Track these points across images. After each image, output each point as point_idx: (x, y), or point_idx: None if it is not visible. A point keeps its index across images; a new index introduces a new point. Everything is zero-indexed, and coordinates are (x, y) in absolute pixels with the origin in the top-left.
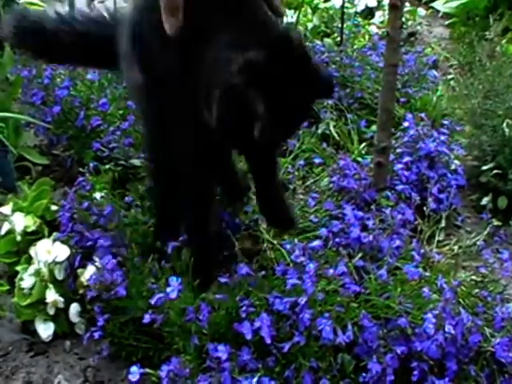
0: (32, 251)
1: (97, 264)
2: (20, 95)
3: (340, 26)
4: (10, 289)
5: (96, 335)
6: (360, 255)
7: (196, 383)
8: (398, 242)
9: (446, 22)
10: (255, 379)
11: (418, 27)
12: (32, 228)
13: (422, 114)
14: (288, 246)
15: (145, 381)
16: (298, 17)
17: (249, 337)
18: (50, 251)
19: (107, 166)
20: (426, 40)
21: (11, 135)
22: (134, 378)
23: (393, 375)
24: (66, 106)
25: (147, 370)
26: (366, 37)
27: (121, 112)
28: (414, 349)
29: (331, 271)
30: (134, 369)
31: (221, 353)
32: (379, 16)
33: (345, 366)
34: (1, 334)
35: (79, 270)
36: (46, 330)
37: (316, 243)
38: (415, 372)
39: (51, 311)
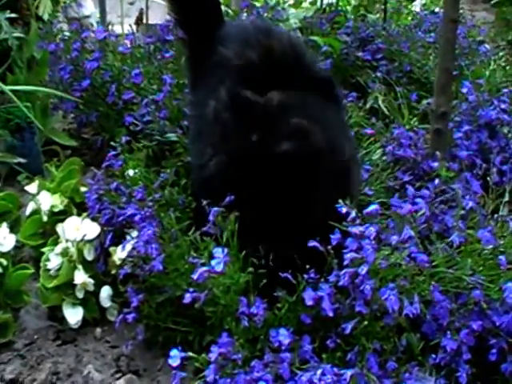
0: (59, 229)
1: (132, 236)
2: (47, 76)
3: (383, 5)
4: (36, 273)
5: (129, 318)
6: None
7: (250, 371)
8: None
9: (492, 2)
10: (319, 371)
11: (460, 11)
12: (60, 207)
13: (481, 81)
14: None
15: (186, 367)
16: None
17: (309, 303)
18: (79, 228)
19: (141, 143)
20: (470, 23)
21: (38, 117)
22: (174, 362)
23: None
24: (96, 80)
25: (190, 354)
26: (409, 18)
27: (154, 87)
28: (491, 325)
29: (395, 237)
30: (174, 352)
31: (282, 337)
32: None
33: (412, 346)
34: (26, 321)
35: (111, 249)
36: (74, 315)
37: (372, 207)
38: (493, 350)
39: (80, 295)
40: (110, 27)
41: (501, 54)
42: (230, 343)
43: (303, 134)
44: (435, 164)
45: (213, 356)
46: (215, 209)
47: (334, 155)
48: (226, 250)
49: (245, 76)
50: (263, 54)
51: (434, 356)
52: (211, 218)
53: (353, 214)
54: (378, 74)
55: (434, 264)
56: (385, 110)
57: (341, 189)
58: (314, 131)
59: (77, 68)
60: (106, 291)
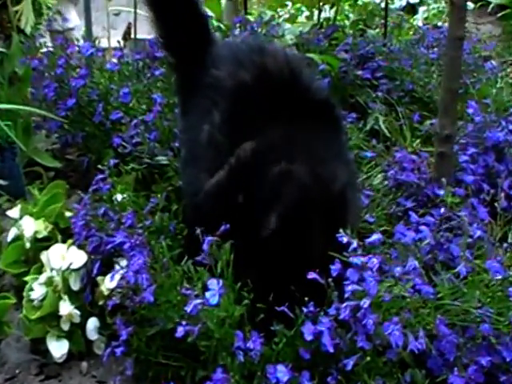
0: (43, 256)
1: (121, 265)
2: (30, 93)
3: (382, 20)
4: (18, 303)
5: (118, 352)
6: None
7: None
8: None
9: (498, 15)
10: None
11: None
12: (43, 234)
13: (488, 100)
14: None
15: None
16: (336, 13)
17: (309, 338)
18: (65, 256)
19: (130, 166)
20: (475, 38)
21: (20, 137)
22: None
23: None
24: (82, 98)
25: None
26: (410, 33)
27: (144, 106)
28: (501, 360)
29: (398, 269)
30: None
31: (280, 373)
32: (423, 11)
33: (417, 383)
34: (7, 354)
35: (99, 278)
36: (59, 348)
37: (375, 237)
38: None
39: (65, 326)
40: (96, 42)
41: (508, 70)
42: (225, 379)
43: (286, 184)
44: (440, 189)
45: None
46: (209, 238)
47: (325, 191)
48: (221, 282)
49: (239, 98)
50: (257, 74)
51: None
52: (205, 247)
53: (354, 244)
54: (379, 94)
55: (439, 296)
56: (386, 131)
57: (338, 221)
58: (298, 174)
59: (62, 85)
60: (92, 323)
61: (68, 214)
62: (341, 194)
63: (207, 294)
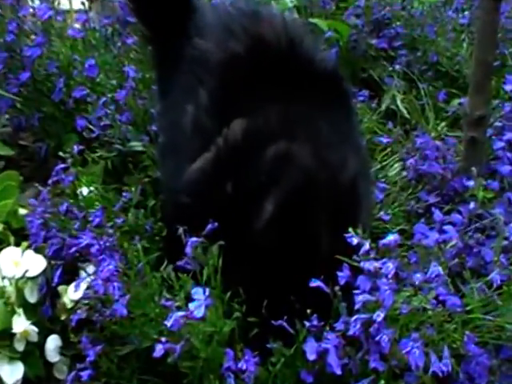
0: None
1: (87, 272)
2: None
3: None
4: None
5: (84, 376)
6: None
7: None
8: None
9: None
10: None
11: None
12: None
13: None
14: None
15: None
16: None
17: (312, 357)
18: (19, 263)
19: (97, 153)
20: None
21: None
22: None
23: None
24: (38, 72)
25: None
26: None
27: (114, 82)
28: None
29: (418, 276)
30: None
31: None
32: None
33: None
34: None
35: (60, 288)
36: (12, 373)
37: (390, 238)
38: None
39: (20, 347)
40: (55, 3)
41: None
42: None
43: (285, 165)
44: (469, 182)
45: None
46: (193, 239)
47: (332, 179)
48: (207, 291)
49: (229, 73)
50: (251, 45)
51: None
52: (188, 250)
53: (366, 246)
54: (397, 67)
55: (467, 309)
56: (404, 112)
57: (347, 217)
58: (300, 155)
59: (13, 56)
60: (53, 342)
61: (22, 211)
62: (351, 184)
63: (191, 306)
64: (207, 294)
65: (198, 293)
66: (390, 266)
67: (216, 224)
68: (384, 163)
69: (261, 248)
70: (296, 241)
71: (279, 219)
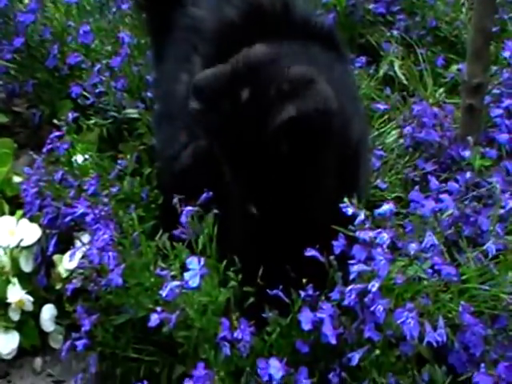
0: None
1: (82, 241)
2: None
3: None
4: None
5: (79, 345)
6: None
7: None
8: None
9: None
10: None
11: None
12: None
13: None
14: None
15: None
16: None
17: (307, 327)
18: (14, 232)
19: (92, 121)
20: None
21: None
22: None
23: None
24: (32, 38)
25: None
26: None
27: (109, 48)
28: None
29: (413, 245)
30: None
31: (273, 369)
32: None
33: (435, 382)
34: None
35: (55, 257)
36: (7, 343)
37: (386, 208)
38: None
39: (15, 316)
40: None
41: None
42: (208, 377)
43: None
44: (466, 150)
45: None
46: (189, 208)
47: (344, 126)
48: (202, 260)
49: (223, 41)
50: (245, 10)
51: None
52: (183, 219)
53: (361, 216)
54: (395, 32)
55: (463, 278)
56: (402, 78)
57: (348, 179)
58: (323, 84)
59: (6, 21)
60: (48, 311)
61: (17, 179)
62: (356, 144)
63: (186, 275)
64: (202, 263)
65: (193, 262)
66: (385, 237)
67: (210, 193)
68: (381, 130)
69: (270, 155)
70: (304, 156)
71: (299, 121)
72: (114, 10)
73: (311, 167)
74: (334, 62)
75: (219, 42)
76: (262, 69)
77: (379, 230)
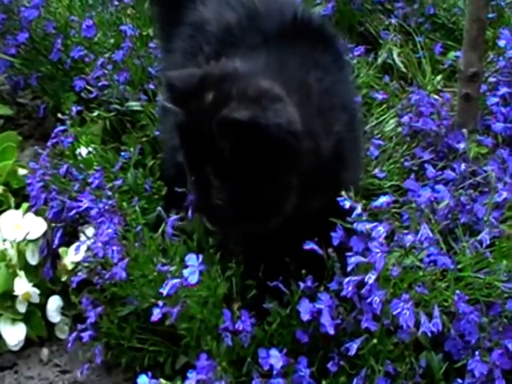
0: None
1: (87, 235)
2: None
3: None
4: None
5: (85, 336)
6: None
7: None
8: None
9: None
10: None
11: None
12: None
13: None
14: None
15: None
16: None
17: (306, 318)
18: (20, 226)
19: (95, 113)
20: None
21: None
22: None
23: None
24: (36, 32)
25: (161, 381)
26: None
27: (112, 41)
28: None
29: (409, 237)
30: (142, 379)
31: (274, 359)
32: None
33: (432, 369)
34: None
35: (61, 250)
36: (14, 334)
37: (382, 200)
38: None
39: (22, 308)
40: None
41: None
42: (211, 367)
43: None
44: (462, 142)
45: (190, 383)
46: (173, 218)
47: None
48: (200, 257)
49: (223, 42)
50: (243, 14)
51: (459, 381)
52: (169, 230)
53: (358, 209)
54: (393, 21)
55: (459, 267)
56: (401, 66)
57: (331, 181)
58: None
59: (11, 17)
60: (54, 303)
61: (22, 171)
62: (334, 148)
63: (185, 272)
64: (200, 260)
65: (192, 259)
66: (381, 230)
67: None
68: (380, 119)
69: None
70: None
71: (246, 126)
72: (116, 2)
73: (258, 171)
74: (320, 62)
75: (218, 45)
76: (229, 77)
77: (375, 223)
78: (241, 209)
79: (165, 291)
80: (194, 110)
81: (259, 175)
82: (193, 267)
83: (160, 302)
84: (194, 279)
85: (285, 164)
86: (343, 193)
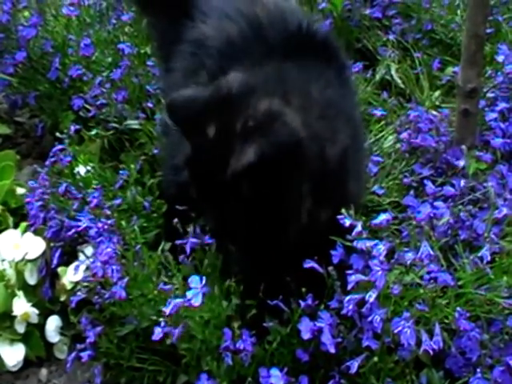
0: None
1: (86, 254)
2: None
3: None
4: None
5: (84, 356)
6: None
7: None
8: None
9: None
10: None
11: None
12: None
13: None
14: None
15: None
16: None
17: (306, 336)
18: (19, 245)
19: (93, 131)
20: None
21: None
22: None
23: None
24: (34, 51)
25: None
26: None
27: (109, 59)
28: None
29: (410, 255)
30: None
31: (275, 378)
32: None
33: None
34: None
35: (60, 270)
36: (13, 355)
37: (383, 217)
38: None
39: (21, 328)
40: None
41: None
42: None
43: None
44: (461, 159)
45: None
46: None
47: (321, 152)
48: (204, 279)
49: (227, 56)
50: (245, 27)
51: None
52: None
53: (358, 227)
54: (391, 37)
55: (460, 283)
56: (399, 82)
57: (334, 194)
58: (291, 118)
59: (9, 36)
60: (53, 322)
61: (20, 190)
62: (339, 159)
63: (188, 294)
64: (204, 282)
65: (195, 281)
66: (381, 248)
67: None
68: (379, 135)
69: (234, 195)
70: (271, 194)
71: (258, 167)
72: (113, 20)
73: (277, 201)
74: (325, 74)
75: (221, 59)
76: (231, 103)
77: (375, 241)
78: (262, 228)
79: (167, 310)
80: (199, 144)
81: (276, 192)
82: (196, 289)
83: (161, 322)
84: (197, 301)
85: (296, 173)
86: (343, 210)
